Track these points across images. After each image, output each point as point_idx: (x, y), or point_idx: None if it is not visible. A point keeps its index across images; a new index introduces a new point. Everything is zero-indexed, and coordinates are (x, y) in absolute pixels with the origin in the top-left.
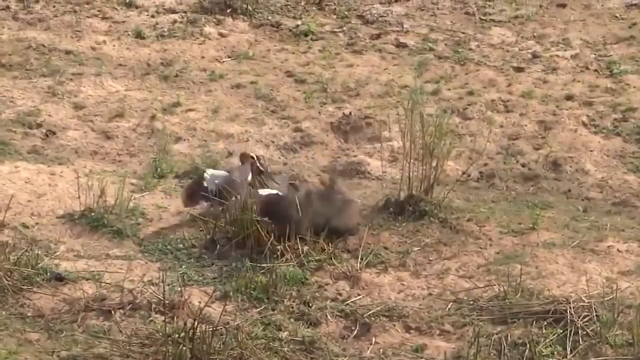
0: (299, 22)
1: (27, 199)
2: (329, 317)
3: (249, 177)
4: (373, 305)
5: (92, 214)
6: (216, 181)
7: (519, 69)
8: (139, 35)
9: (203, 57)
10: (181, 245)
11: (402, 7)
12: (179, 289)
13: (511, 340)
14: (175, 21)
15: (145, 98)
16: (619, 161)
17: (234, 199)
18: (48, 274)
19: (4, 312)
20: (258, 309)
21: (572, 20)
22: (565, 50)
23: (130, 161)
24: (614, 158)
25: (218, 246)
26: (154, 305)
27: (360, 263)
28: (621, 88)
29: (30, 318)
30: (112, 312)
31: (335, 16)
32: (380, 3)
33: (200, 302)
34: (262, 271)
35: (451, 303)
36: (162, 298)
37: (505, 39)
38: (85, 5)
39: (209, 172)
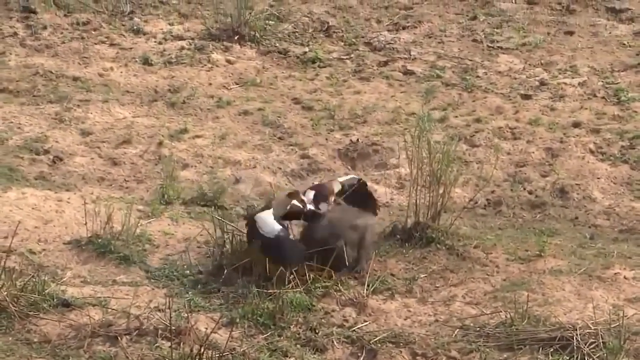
0: (307, 49)
1: (34, 225)
2: (335, 343)
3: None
4: (379, 332)
5: (99, 240)
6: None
7: (527, 97)
8: (146, 62)
9: (210, 84)
10: (188, 272)
11: (409, 35)
12: (186, 315)
13: None
14: (182, 48)
15: (153, 124)
16: (626, 188)
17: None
18: (55, 299)
19: (10, 338)
20: (264, 335)
21: (580, 47)
22: (573, 78)
23: (137, 187)
24: (621, 185)
25: (225, 272)
26: (160, 331)
27: (366, 290)
28: (629, 115)
29: (36, 344)
30: (119, 338)
31: (342, 43)
32: (388, 30)
33: (206, 328)
34: (268, 297)
35: (458, 329)
36: (168, 324)
37: (513, 66)
38: (93, 32)
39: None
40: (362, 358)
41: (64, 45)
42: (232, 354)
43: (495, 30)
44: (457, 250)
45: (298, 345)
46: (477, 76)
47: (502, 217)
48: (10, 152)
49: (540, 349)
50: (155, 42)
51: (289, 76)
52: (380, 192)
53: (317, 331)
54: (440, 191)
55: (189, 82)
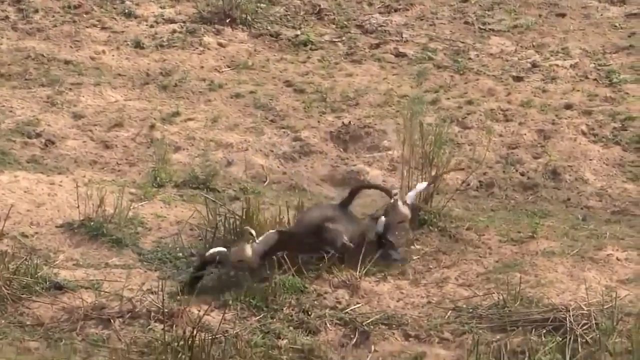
0: (298, 32)
1: (27, 209)
2: (328, 325)
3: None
4: (372, 314)
5: (91, 223)
6: None
7: (518, 78)
8: (138, 45)
9: (202, 67)
10: (180, 254)
11: (401, 17)
12: (178, 297)
13: (510, 348)
14: (174, 31)
15: (145, 108)
16: (618, 170)
17: None
18: (47, 282)
19: (3, 321)
20: (257, 317)
21: (572, 29)
22: (565, 60)
23: (130, 170)
24: (613, 167)
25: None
26: (153, 314)
27: (359, 272)
28: (620, 97)
29: (29, 327)
30: (111, 320)
31: (334, 26)
32: (380, 13)
33: (199, 311)
34: (261, 280)
35: (450, 311)
36: (161, 307)
37: (505, 48)
38: (84, 15)
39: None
40: (354, 340)
41: (56, 29)
42: (224, 336)
43: (487, 12)
44: (449, 232)
45: (291, 327)
46: (469, 58)
47: (495, 199)
48: (2, 135)
49: (533, 330)
50: (146, 25)
51: (280, 59)
52: (373, 174)
53: (309, 313)
54: (433, 173)
55: (181, 65)
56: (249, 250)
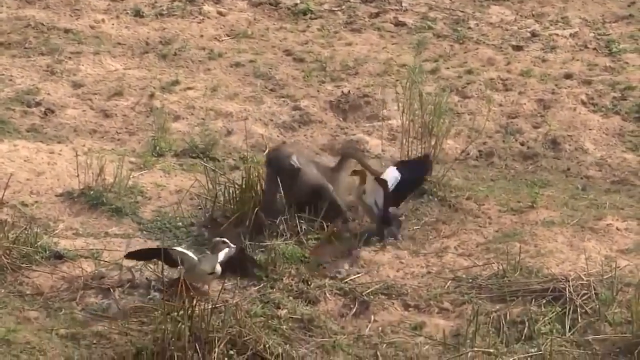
0: (298, 1)
1: (26, 178)
2: (327, 295)
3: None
4: (372, 284)
5: (91, 192)
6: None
7: (518, 48)
8: (137, 13)
9: (202, 36)
10: (180, 224)
11: None
12: (178, 267)
13: (510, 318)
14: (174, 0)
15: (144, 76)
16: (618, 140)
17: None
18: (47, 252)
19: (2, 290)
20: (257, 287)
21: None
22: (564, 29)
23: (129, 139)
24: (613, 137)
25: (217, 224)
26: (152, 283)
27: (359, 241)
28: (620, 67)
29: (29, 296)
30: (111, 290)
31: None
32: None
33: None
34: (261, 249)
35: (450, 281)
36: (160, 276)
37: (504, 17)
38: None
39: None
40: (354, 310)
41: None
42: (224, 305)
43: None
44: (449, 201)
45: (290, 297)
46: (469, 27)
47: (494, 169)
48: (1, 104)
49: (533, 300)
50: None
51: (280, 28)
52: (372, 143)
53: (309, 283)
54: (432, 143)
55: (181, 34)
56: (219, 267)
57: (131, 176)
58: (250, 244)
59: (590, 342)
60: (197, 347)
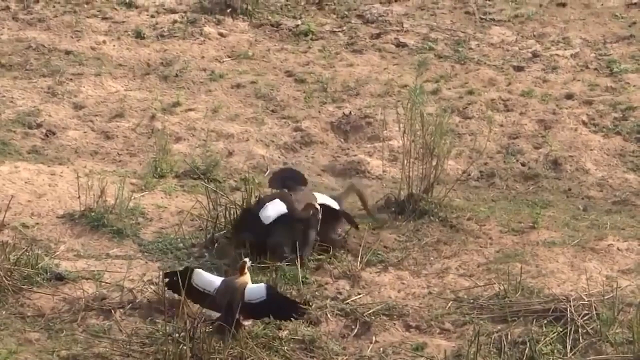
0: (299, 22)
1: (27, 199)
2: (329, 316)
3: None
4: (373, 304)
5: (92, 213)
6: None
7: (519, 68)
8: (138, 35)
9: (203, 57)
10: (181, 245)
11: (402, 7)
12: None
13: (511, 338)
14: (175, 21)
15: (145, 98)
16: (619, 160)
17: None
18: (48, 273)
19: (4, 312)
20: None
21: (572, 19)
22: (565, 50)
23: (130, 161)
24: (614, 157)
25: (218, 245)
26: (154, 305)
27: (360, 262)
28: (621, 87)
29: (30, 317)
30: (113, 311)
31: (335, 16)
32: (380, 3)
33: None
34: (262, 270)
35: (451, 302)
36: (162, 297)
37: (505, 38)
38: (85, 6)
39: None
40: (355, 330)
41: (57, 19)
42: (225, 326)
43: (488, 2)
44: (450, 222)
45: (292, 318)
46: (470, 48)
47: (495, 189)
48: (2, 126)
49: (534, 320)
50: (147, 15)
51: (281, 49)
52: (374, 164)
53: (310, 304)
54: (434, 163)
55: (182, 56)
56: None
57: (132, 197)
58: (252, 265)
59: None
60: None
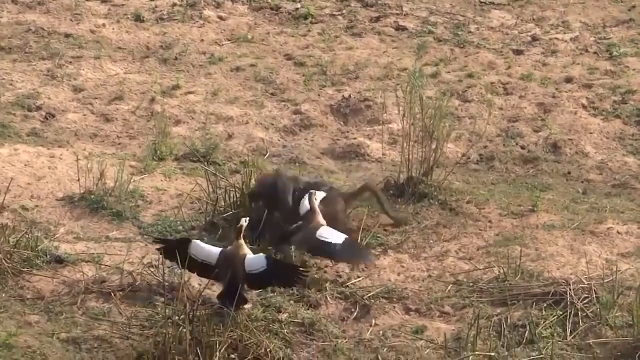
0: (299, 5)
1: (27, 182)
2: (328, 299)
3: None
4: (373, 287)
5: (92, 196)
6: None
7: (519, 52)
8: (138, 18)
9: (202, 40)
10: (181, 227)
11: None
12: (179, 271)
13: (511, 321)
14: (174, 4)
15: (145, 81)
16: (619, 143)
17: None
18: (48, 256)
19: (3, 295)
20: (258, 291)
21: (572, 2)
22: (565, 33)
23: (130, 144)
24: (613, 140)
25: (219, 229)
26: (153, 288)
27: (360, 245)
28: (620, 70)
29: (29, 300)
30: (112, 294)
31: None
32: None
33: (199, 285)
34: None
35: (451, 285)
36: (162, 280)
37: (505, 21)
38: None
39: None
40: (355, 313)
41: (56, 2)
42: (225, 310)
43: None
44: (449, 205)
45: (291, 301)
46: (469, 32)
47: (495, 172)
48: (2, 108)
49: (534, 304)
50: None
51: (280, 32)
52: (373, 147)
53: (310, 287)
54: (433, 146)
55: (181, 39)
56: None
57: (132, 180)
58: (252, 247)
59: (591, 346)
60: (198, 351)
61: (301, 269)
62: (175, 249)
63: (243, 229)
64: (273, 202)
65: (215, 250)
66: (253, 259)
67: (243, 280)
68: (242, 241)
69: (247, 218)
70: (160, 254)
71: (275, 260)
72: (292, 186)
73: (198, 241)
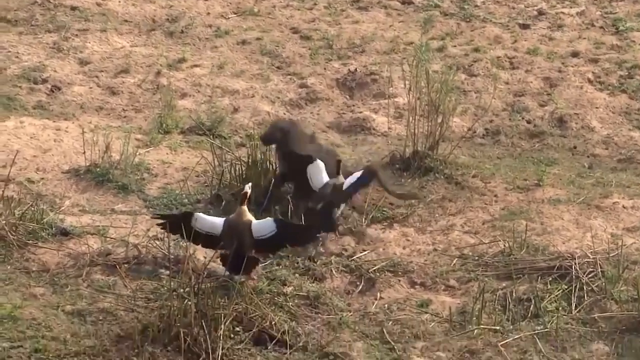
0: None
1: (33, 154)
2: (334, 272)
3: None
4: (378, 261)
5: (97, 169)
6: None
7: (525, 26)
8: None
9: (209, 14)
10: (186, 200)
11: None
12: (184, 244)
13: (516, 295)
14: None
15: (151, 54)
16: (625, 118)
17: None
18: (53, 228)
19: (8, 267)
20: (263, 264)
21: None
22: (571, 8)
23: (136, 117)
24: (619, 115)
25: (223, 201)
26: (159, 260)
27: (365, 219)
28: (627, 45)
29: (35, 272)
30: (117, 266)
31: None
32: None
33: (205, 257)
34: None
35: (456, 259)
36: (167, 253)
37: None
38: None
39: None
40: (360, 287)
41: None
42: (230, 282)
43: None
44: (455, 179)
45: (297, 274)
46: (476, 5)
47: (501, 147)
48: (8, 81)
49: (539, 278)
50: None
51: (287, 5)
52: (379, 121)
53: (315, 260)
54: (439, 120)
55: (187, 12)
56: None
57: (137, 153)
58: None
59: (596, 320)
60: (203, 324)
61: (313, 228)
62: (178, 223)
63: (247, 195)
64: (285, 146)
65: (219, 220)
66: (260, 224)
67: (251, 247)
68: (245, 207)
69: (251, 184)
70: (163, 229)
71: (283, 222)
72: (307, 137)
73: (201, 213)
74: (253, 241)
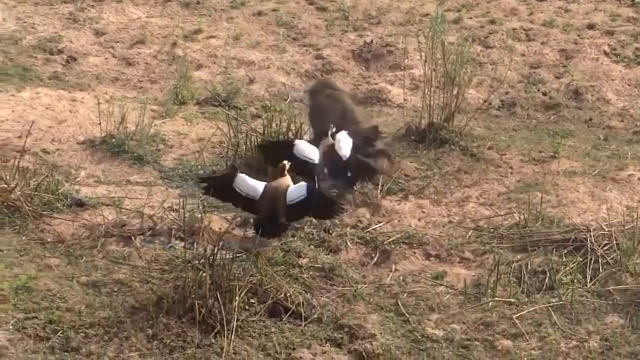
0: None
1: (48, 125)
2: (349, 244)
3: None
4: (393, 233)
5: (113, 140)
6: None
7: None
8: None
9: None
10: (201, 172)
11: None
12: (199, 215)
13: (531, 268)
14: None
15: (167, 25)
16: None
17: None
18: (68, 199)
19: (24, 238)
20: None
21: None
22: None
23: (151, 88)
24: (635, 87)
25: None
26: (174, 232)
27: (380, 191)
28: None
29: (50, 243)
30: (132, 237)
31: None
32: None
33: (220, 229)
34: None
35: (471, 231)
36: (182, 224)
37: None
38: None
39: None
40: (375, 259)
41: None
42: (245, 253)
43: None
44: (471, 151)
45: (312, 246)
46: None
47: (516, 118)
48: (24, 51)
49: (554, 250)
50: None
51: None
52: (395, 92)
53: (330, 232)
54: (455, 92)
55: None
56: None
57: (153, 124)
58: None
59: (611, 292)
60: (218, 296)
61: (340, 203)
62: (220, 184)
63: (286, 167)
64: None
65: (260, 185)
66: (294, 188)
67: (283, 213)
68: (287, 176)
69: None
70: (206, 194)
71: (314, 189)
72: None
73: (243, 175)
74: (286, 207)
